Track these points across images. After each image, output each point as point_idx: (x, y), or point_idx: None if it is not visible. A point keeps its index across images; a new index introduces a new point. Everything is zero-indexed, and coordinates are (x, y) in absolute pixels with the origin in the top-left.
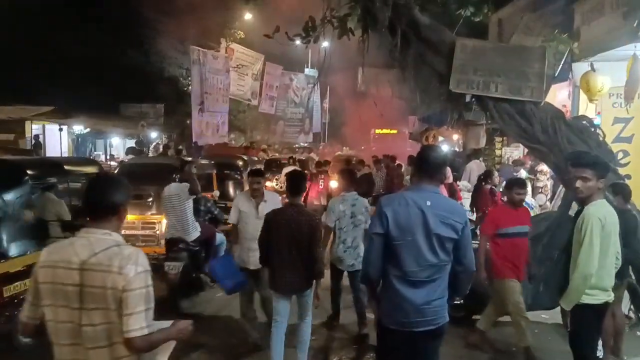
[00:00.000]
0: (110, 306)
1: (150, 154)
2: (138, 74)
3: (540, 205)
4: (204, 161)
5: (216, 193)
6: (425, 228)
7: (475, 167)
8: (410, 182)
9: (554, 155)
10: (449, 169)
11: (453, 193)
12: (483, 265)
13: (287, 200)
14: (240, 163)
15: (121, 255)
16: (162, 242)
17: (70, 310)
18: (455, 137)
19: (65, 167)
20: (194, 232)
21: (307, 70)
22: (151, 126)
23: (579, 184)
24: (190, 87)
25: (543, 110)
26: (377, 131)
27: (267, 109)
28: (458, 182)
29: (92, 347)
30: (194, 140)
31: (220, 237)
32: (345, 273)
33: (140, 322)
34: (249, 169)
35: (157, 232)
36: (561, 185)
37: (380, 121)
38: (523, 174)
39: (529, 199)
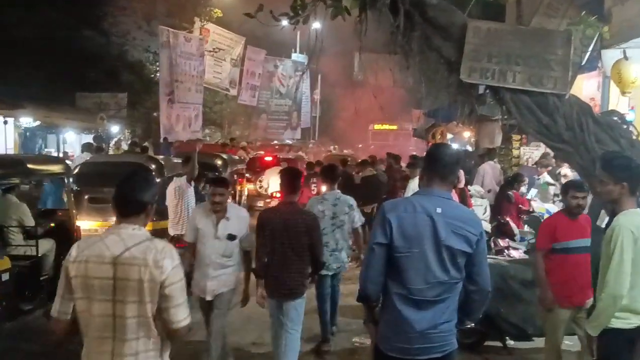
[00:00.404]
0: (145, 299)
1: (111, 152)
2: (97, 59)
3: None
4: (175, 160)
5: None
6: (434, 239)
7: (490, 170)
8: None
9: (579, 155)
10: (461, 172)
11: (463, 199)
12: (546, 282)
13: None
14: (219, 162)
15: (155, 249)
16: None
17: (104, 303)
18: (467, 134)
19: (29, 165)
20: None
21: (294, 56)
22: (112, 119)
23: (601, 187)
24: (158, 74)
25: (568, 104)
26: (377, 127)
27: (247, 100)
28: (469, 187)
29: (122, 339)
30: (162, 135)
31: None
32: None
33: (184, 312)
34: (229, 170)
35: None
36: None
37: (380, 115)
38: (546, 177)
39: (551, 206)
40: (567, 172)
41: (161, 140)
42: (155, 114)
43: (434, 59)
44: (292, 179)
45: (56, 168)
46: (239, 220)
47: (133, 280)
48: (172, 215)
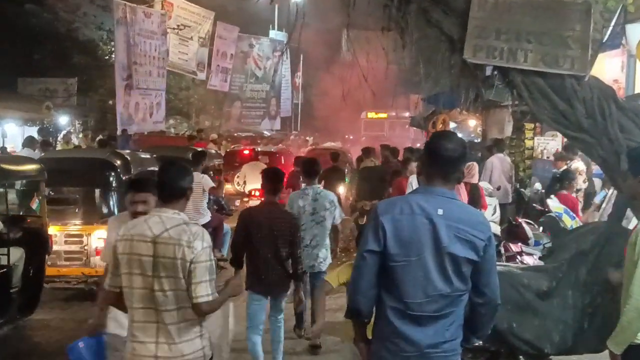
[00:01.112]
0: (178, 275)
1: (59, 147)
2: (42, 38)
3: None
4: (143, 155)
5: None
6: (435, 245)
7: (498, 164)
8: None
9: (601, 147)
10: (474, 165)
11: (476, 199)
12: None
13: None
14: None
15: (189, 231)
16: (93, 260)
17: (145, 277)
18: (472, 123)
19: (3, 166)
20: (206, 216)
21: (272, 34)
22: (60, 108)
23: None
24: (113, 56)
25: (587, 87)
26: (370, 115)
27: (218, 86)
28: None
29: (163, 309)
30: (119, 127)
31: (226, 227)
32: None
33: (206, 289)
34: (202, 165)
35: (86, 247)
36: (611, 188)
37: (372, 102)
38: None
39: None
40: (580, 165)
41: (118, 132)
42: (110, 102)
43: (433, 37)
44: (274, 180)
45: (30, 169)
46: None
47: (169, 257)
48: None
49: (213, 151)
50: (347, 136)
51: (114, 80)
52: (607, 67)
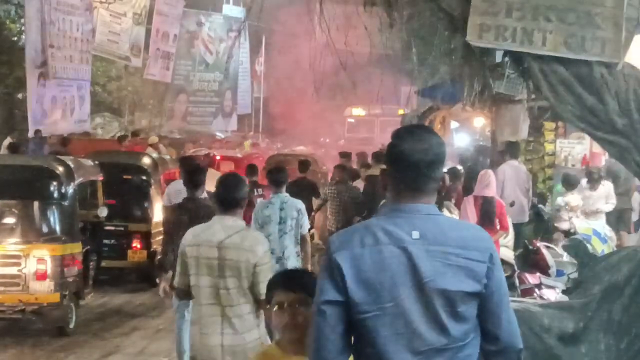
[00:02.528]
0: (241, 275)
1: None
2: None
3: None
4: (86, 162)
5: (102, 211)
6: (415, 281)
7: (512, 173)
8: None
9: (637, 150)
10: (491, 173)
11: (490, 216)
12: None
13: None
14: (148, 163)
15: (250, 236)
16: (32, 285)
17: (211, 278)
18: (479, 122)
19: None
20: None
21: (227, 9)
22: None
23: None
24: (23, 37)
25: (621, 78)
26: (355, 112)
27: (158, 75)
28: None
29: (227, 305)
30: (31, 127)
31: None
32: None
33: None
34: (160, 172)
35: (24, 270)
36: None
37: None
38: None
39: (599, 226)
40: (572, 200)
41: (30, 134)
42: (20, 95)
43: (429, 14)
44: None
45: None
46: None
47: (232, 260)
48: None
49: (167, 157)
50: (324, 139)
51: (25, 67)
52: None
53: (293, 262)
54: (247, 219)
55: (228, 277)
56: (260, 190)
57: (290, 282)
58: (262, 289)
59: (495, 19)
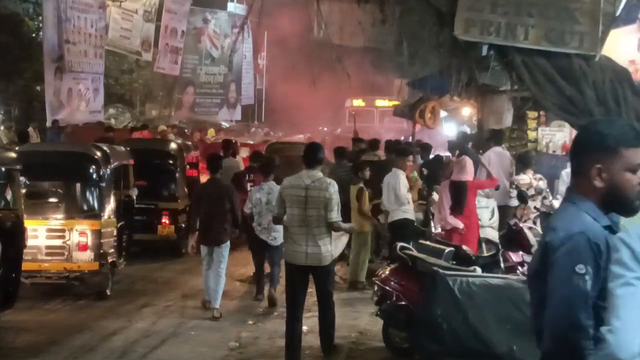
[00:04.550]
0: (320, 206)
1: None
2: None
3: None
4: (119, 148)
5: (133, 192)
6: None
7: (496, 159)
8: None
9: None
10: (467, 159)
11: (459, 200)
12: None
13: None
14: (174, 147)
15: (326, 182)
16: (75, 255)
17: (300, 209)
18: (466, 111)
19: None
20: None
21: (231, 6)
22: None
23: None
24: (41, 33)
25: (598, 69)
26: (356, 103)
27: (167, 68)
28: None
29: (311, 226)
30: (49, 118)
31: None
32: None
33: (337, 215)
34: (185, 157)
35: (68, 242)
36: None
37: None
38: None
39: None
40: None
41: (48, 124)
42: (38, 88)
43: (419, 10)
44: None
45: (3, 159)
46: None
47: (314, 197)
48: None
49: (189, 143)
50: (322, 128)
51: (42, 62)
52: (622, 46)
53: (276, 231)
54: (242, 203)
55: (311, 209)
56: (252, 176)
57: None
58: (331, 215)
59: (480, 15)
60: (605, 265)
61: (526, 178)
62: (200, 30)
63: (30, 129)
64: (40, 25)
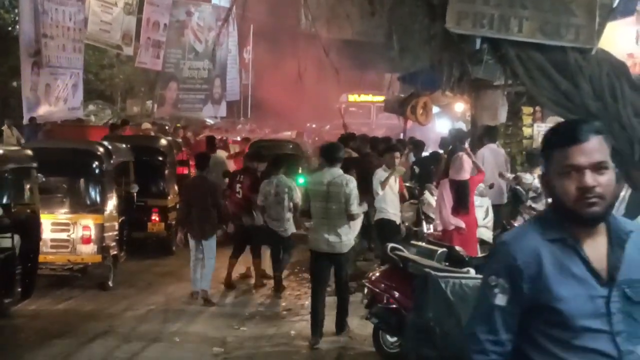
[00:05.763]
0: (340, 200)
1: None
2: None
3: None
4: (121, 146)
5: (133, 188)
6: None
7: (490, 156)
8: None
9: (611, 133)
10: (464, 157)
11: (464, 200)
12: None
13: None
14: (164, 144)
15: (346, 178)
16: (79, 248)
17: (322, 202)
18: (459, 107)
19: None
20: None
21: None
22: None
23: None
24: (17, 27)
25: (595, 63)
26: (351, 98)
27: (149, 63)
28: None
29: (332, 218)
30: (25, 115)
31: None
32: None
33: (356, 207)
34: (175, 154)
35: (72, 235)
36: (625, 187)
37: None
38: None
39: None
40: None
41: (25, 121)
42: (14, 83)
43: (409, 1)
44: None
45: (21, 157)
46: None
47: (335, 192)
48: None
49: (179, 140)
50: (310, 124)
51: (19, 56)
52: (619, 39)
53: (286, 223)
54: (232, 203)
55: (332, 202)
56: (241, 177)
57: None
58: (351, 207)
59: (473, 7)
60: (529, 281)
61: (530, 178)
62: (184, 24)
63: (5, 127)
64: (17, 18)
